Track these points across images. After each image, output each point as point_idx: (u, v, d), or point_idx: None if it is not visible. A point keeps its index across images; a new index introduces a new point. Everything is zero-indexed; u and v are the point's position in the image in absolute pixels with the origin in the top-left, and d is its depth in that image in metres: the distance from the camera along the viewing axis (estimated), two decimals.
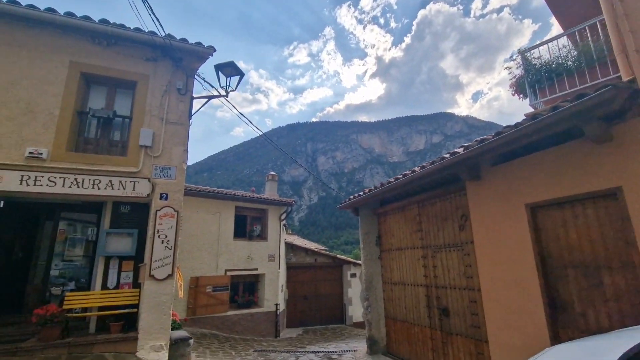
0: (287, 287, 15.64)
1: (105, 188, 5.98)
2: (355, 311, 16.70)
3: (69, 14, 6.10)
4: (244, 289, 13.41)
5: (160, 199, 6.24)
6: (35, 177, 5.65)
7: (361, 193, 7.35)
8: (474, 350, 4.73)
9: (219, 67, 6.85)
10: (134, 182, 6.15)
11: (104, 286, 5.96)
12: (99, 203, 6.32)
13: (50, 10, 5.99)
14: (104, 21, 6.32)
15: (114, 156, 6.30)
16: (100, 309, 5.75)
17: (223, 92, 6.96)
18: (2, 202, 5.90)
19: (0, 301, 6.55)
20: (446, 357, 5.25)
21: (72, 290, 6.20)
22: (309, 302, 16.05)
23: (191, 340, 6.19)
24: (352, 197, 7.79)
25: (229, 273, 12.44)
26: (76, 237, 6.74)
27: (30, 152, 5.68)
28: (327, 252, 18.30)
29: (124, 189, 6.08)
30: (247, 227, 13.79)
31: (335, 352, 8.21)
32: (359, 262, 17.31)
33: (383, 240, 7.49)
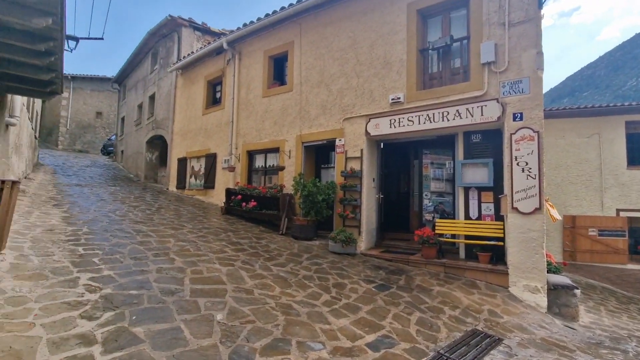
0: None
1: (454, 118, 5.85)
2: None
3: None
4: None
5: (514, 120, 5.26)
6: (398, 119, 6.49)
7: None
8: None
9: None
10: (481, 106, 5.57)
11: (467, 216, 6.00)
12: (450, 136, 6.35)
13: None
14: None
15: (457, 84, 6.00)
16: (466, 237, 5.85)
17: None
18: (382, 144, 7.34)
19: (396, 222, 8.49)
20: None
21: (440, 218, 6.79)
22: None
23: (577, 291, 4.94)
24: None
25: (623, 214, 9.19)
26: (437, 170, 7.28)
27: (392, 99, 6.59)
28: None
29: (472, 116, 5.66)
30: None
31: None
32: None
33: None
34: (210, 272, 4.34)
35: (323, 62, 7.81)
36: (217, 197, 10.04)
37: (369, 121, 6.88)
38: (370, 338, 3.29)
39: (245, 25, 9.17)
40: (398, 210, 8.80)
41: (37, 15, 3.14)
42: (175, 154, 12.48)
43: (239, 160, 9.60)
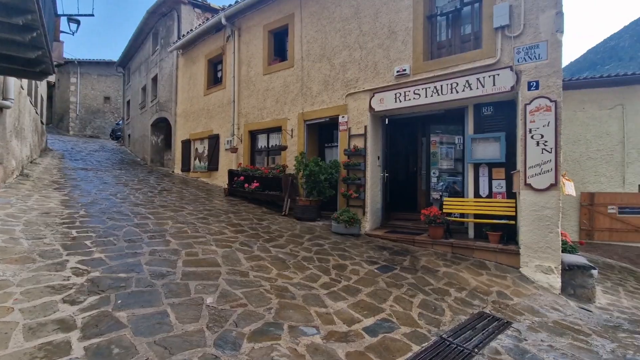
0: None
1: (464, 90, 5.45)
2: None
3: None
4: None
5: (529, 89, 4.84)
6: (404, 93, 6.12)
7: None
8: None
9: None
10: (493, 75, 5.14)
11: (476, 194, 5.69)
12: (460, 110, 5.95)
13: None
14: None
15: (467, 52, 5.56)
16: (476, 216, 5.56)
17: None
18: (387, 120, 6.98)
19: (403, 203, 8.20)
20: None
21: (449, 197, 6.49)
22: None
23: (594, 271, 4.64)
24: None
25: None
26: (445, 147, 6.91)
27: (397, 71, 6.20)
28: None
29: (483, 86, 5.25)
30: None
31: None
32: None
33: None
34: (205, 254, 4.21)
35: (325, 35, 7.39)
36: (221, 179, 9.90)
37: (373, 96, 6.52)
38: (369, 322, 3.11)
39: None
40: (406, 190, 8.49)
41: None
42: (179, 136, 12.35)
43: (241, 141, 9.39)
